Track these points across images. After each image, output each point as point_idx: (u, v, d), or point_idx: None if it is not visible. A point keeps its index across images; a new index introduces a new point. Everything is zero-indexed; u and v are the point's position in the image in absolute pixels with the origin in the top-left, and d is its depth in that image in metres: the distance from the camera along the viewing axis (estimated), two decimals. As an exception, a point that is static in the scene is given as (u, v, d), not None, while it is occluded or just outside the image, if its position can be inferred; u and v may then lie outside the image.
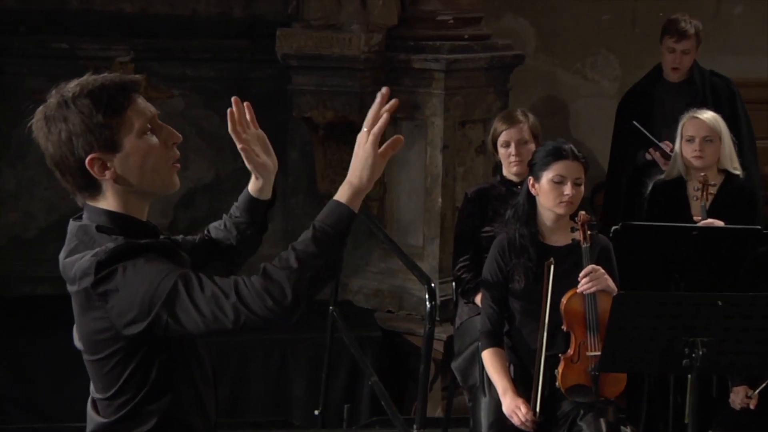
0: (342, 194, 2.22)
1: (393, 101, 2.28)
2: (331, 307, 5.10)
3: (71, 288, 2.24)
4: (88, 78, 2.25)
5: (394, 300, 5.97)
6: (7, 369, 5.44)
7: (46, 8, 6.08)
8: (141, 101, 2.27)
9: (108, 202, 2.26)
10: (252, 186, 2.55)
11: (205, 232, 2.62)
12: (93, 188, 2.26)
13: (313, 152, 6.04)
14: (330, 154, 5.95)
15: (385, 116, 2.25)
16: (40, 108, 2.25)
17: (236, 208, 2.57)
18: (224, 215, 2.61)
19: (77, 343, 2.31)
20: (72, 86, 2.24)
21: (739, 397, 4.16)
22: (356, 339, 5.10)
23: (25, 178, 6.07)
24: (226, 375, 5.39)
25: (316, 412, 5.23)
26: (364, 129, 2.25)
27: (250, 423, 5.41)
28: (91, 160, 2.21)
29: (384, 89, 2.30)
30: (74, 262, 2.22)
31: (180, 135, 2.34)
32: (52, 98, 2.24)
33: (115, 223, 2.25)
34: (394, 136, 2.28)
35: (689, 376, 3.46)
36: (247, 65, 6.19)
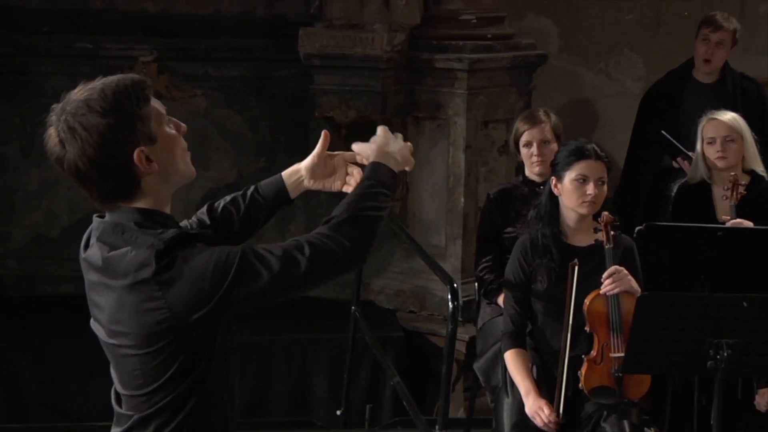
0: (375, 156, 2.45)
1: None
2: (353, 307, 5.10)
3: (118, 282, 2.21)
4: (98, 82, 2.25)
5: (416, 300, 5.95)
6: (30, 368, 5.46)
7: (70, 8, 6.11)
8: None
9: (143, 199, 2.26)
10: (291, 179, 2.64)
11: (205, 217, 2.62)
12: (131, 187, 2.25)
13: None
14: (352, 154, 5.94)
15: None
16: (57, 119, 2.22)
17: (263, 187, 2.64)
18: (246, 190, 2.66)
19: (111, 338, 2.28)
20: (86, 91, 2.22)
21: (764, 399, 4.13)
22: (378, 339, 5.09)
23: (48, 177, 6.09)
24: (249, 375, 5.39)
25: (338, 413, 5.22)
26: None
27: (272, 423, 5.41)
28: (140, 152, 2.22)
29: None
30: (122, 256, 2.20)
31: (184, 124, 2.37)
32: (69, 106, 2.21)
33: (149, 219, 2.25)
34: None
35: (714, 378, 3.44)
36: (270, 65, 6.19)
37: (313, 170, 2.63)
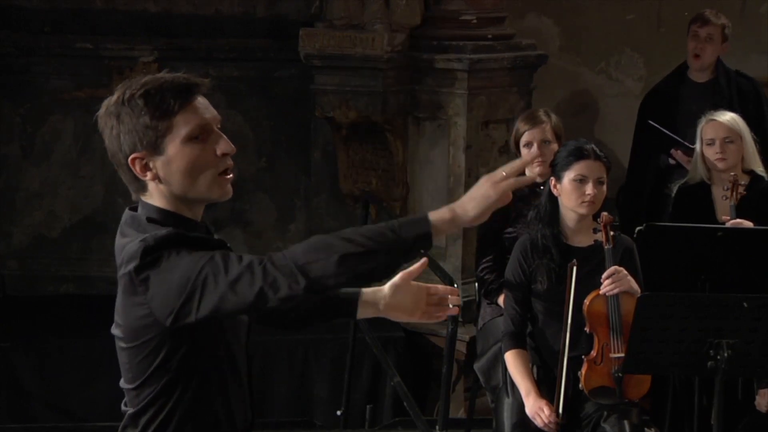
0: (436, 213, 2.18)
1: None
2: (353, 307, 5.09)
3: (119, 272, 2.24)
4: (154, 76, 2.27)
5: (416, 300, 5.94)
6: (32, 368, 5.46)
7: (71, 8, 6.10)
8: (200, 105, 2.27)
9: (155, 199, 2.28)
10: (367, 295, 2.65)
11: None
12: (140, 184, 2.28)
13: (336, 152, 6.04)
14: (353, 153, 5.94)
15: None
16: (106, 102, 2.28)
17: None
18: None
19: (114, 329, 2.29)
20: (136, 83, 2.26)
21: (765, 399, 4.13)
22: (379, 339, 5.10)
23: (49, 177, 6.10)
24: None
25: (339, 413, 5.23)
26: (501, 172, 2.20)
27: (272, 423, 5.41)
28: (133, 159, 2.24)
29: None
30: (123, 245, 2.23)
31: (233, 146, 2.31)
32: (116, 93, 2.27)
33: (165, 218, 2.26)
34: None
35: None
36: (271, 65, 6.19)
37: (395, 292, 2.59)
